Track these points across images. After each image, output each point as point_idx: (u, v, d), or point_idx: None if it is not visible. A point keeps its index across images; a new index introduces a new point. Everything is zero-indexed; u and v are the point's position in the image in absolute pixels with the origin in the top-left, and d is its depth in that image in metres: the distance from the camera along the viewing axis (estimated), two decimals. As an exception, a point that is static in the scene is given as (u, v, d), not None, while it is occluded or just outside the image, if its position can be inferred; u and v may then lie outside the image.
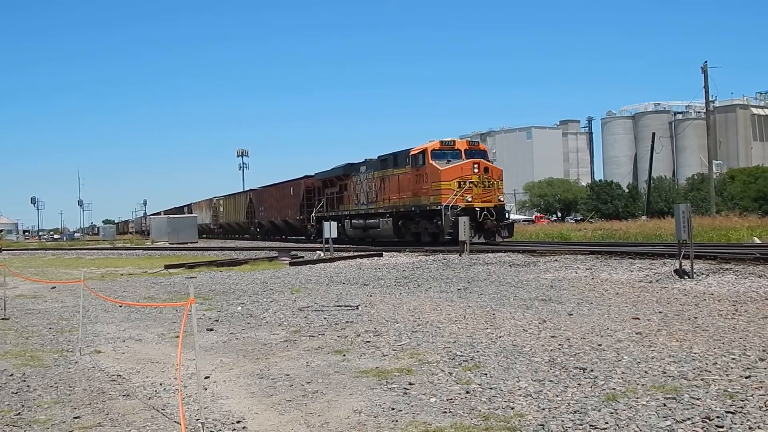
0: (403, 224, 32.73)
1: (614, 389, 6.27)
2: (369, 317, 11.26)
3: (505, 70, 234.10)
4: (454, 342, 8.81)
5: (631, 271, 16.76)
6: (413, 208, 31.22)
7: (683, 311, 10.79)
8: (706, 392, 6.03)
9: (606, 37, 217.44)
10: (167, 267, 25.08)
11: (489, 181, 29.45)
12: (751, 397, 5.83)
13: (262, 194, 57.71)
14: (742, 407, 5.57)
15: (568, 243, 33.12)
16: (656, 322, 9.82)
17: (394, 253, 27.16)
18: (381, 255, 26.61)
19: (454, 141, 30.84)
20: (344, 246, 34.18)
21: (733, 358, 7.22)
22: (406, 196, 32.00)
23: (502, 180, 30.66)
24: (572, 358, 7.58)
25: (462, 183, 28.77)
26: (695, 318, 10.07)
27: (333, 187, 41.42)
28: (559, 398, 6.09)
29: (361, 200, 37.13)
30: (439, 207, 28.65)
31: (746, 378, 6.44)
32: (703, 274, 15.20)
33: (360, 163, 38.32)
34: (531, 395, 6.22)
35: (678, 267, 15.69)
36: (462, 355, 7.96)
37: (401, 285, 16.49)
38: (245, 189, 67.67)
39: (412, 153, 31.55)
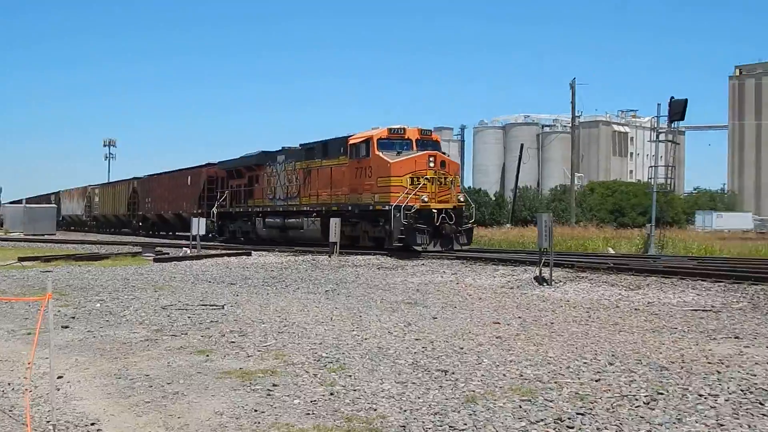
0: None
1: (474, 391, 6.45)
2: (235, 317, 11.10)
3: (387, 75, 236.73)
4: (320, 343, 8.81)
5: (494, 277, 17.31)
6: (350, 207, 26.39)
7: (541, 317, 11.24)
8: (559, 394, 6.30)
9: (482, 48, 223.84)
10: (21, 259, 23.80)
11: (445, 178, 24.98)
12: (599, 399, 6.13)
13: (149, 184, 50.72)
14: (591, 409, 5.85)
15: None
16: (516, 326, 10.18)
17: (264, 253, 26.92)
18: (250, 254, 26.31)
19: (404, 129, 25.77)
20: (212, 243, 33.24)
21: (585, 362, 7.58)
22: (340, 192, 27.14)
23: (459, 176, 27.11)
24: (435, 361, 7.74)
25: (415, 179, 24.27)
26: (552, 323, 10.51)
27: (241, 178, 36.00)
28: (421, 400, 6.20)
29: (277, 195, 32.17)
30: (387, 207, 24.11)
31: (596, 381, 6.77)
32: (561, 281, 15.88)
33: (277, 151, 33.13)
34: (394, 397, 6.31)
35: (538, 274, 16.34)
36: (327, 357, 7.98)
37: (269, 285, 16.35)
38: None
39: (351, 142, 26.50)
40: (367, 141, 25.66)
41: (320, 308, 12.15)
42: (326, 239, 26.57)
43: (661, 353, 8.13)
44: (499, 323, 10.49)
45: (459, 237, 24.77)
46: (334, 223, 25.50)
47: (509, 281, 16.49)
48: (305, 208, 29.58)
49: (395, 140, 25.49)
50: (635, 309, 12.14)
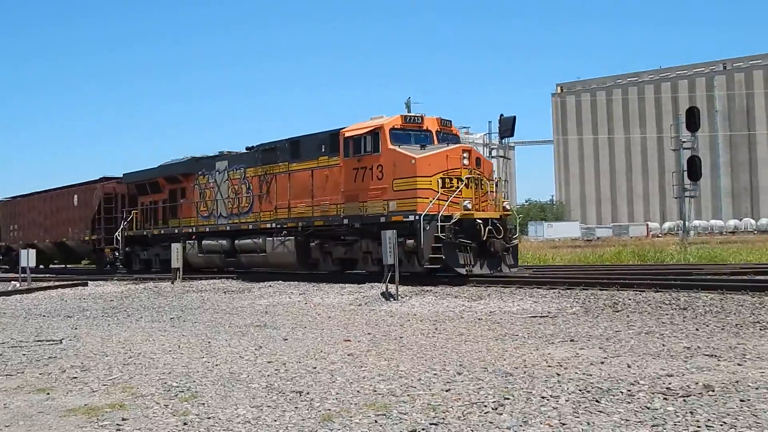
0: (320, 245, 22.07)
1: (329, 410, 6.49)
2: (75, 351, 10.57)
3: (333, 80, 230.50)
4: (170, 373, 8.57)
5: (342, 294, 17.46)
6: (346, 221, 20.64)
7: (390, 332, 11.46)
8: (413, 407, 6.46)
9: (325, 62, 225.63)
10: None
11: (481, 180, 19.85)
12: (451, 408, 6.34)
13: (14, 207, 41.95)
14: (443, 419, 6.04)
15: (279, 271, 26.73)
16: (366, 343, 10.33)
17: (101, 282, 25.68)
18: (86, 284, 25.04)
19: (422, 117, 20.47)
20: (44, 275, 31.19)
21: (435, 374, 7.81)
22: (328, 201, 21.38)
23: (493, 178, 21.04)
24: (289, 382, 7.72)
25: (448, 180, 18.97)
26: (401, 337, 10.75)
27: (157, 192, 29.73)
28: (278, 422, 6.17)
29: (219, 211, 26.33)
30: (412, 217, 18.63)
31: (447, 391, 6.99)
32: (407, 296, 16.26)
33: (214, 157, 27.35)
34: (250, 421, 6.24)
35: (385, 290, 16.64)
36: (178, 386, 7.77)
37: (110, 316, 15.69)
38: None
39: (348, 134, 20.81)
40: (375, 132, 19.93)
41: (167, 336, 11.80)
42: (304, 265, 22.52)
43: (505, 360, 8.51)
44: (349, 340, 10.60)
45: (506, 256, 19.65)
46: (176, 249, 24.71)
47: (357, 298, 16.69)
48: (269, 225, 23.43)
49: (411, 131, 20.18)
50: (479, 319, 12.63)
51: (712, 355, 8.27)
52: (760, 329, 10.20)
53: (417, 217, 18.46)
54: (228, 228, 25.57)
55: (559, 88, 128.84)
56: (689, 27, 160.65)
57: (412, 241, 18.70)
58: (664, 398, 6.35)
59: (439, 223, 18.18)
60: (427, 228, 18.29)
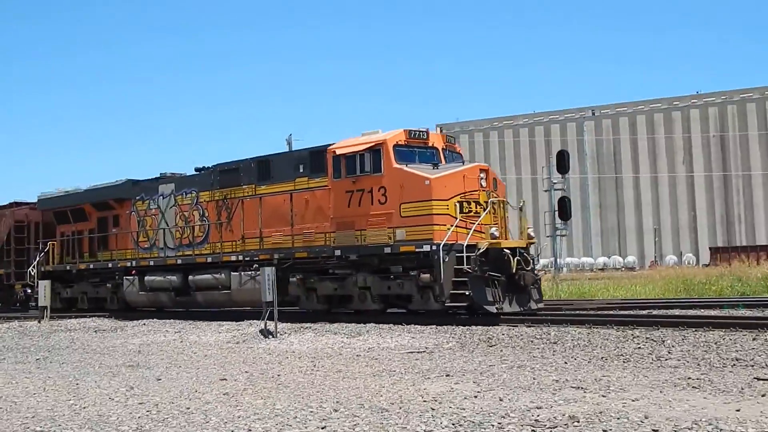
0: (302, 281, 18.99)
1: (202, 451, 6.35)
2: (-72, 396, 9.89)
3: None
4: (33, 417, 8.16)
5: (220, 332, 17.13)
6: (338, 252, 17.95)
7: (268, 370, 11.33)
8: (288, 445, 6.40)
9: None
10: None
11: (499, 204, 17.76)
12: (326, 446, 6.33)
13: None
14: (318, 456, 6.02)
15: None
16: (243, 381, 10.17)
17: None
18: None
19: (427, 132, 18.13)
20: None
21: (311, 411, 7.78)
22: (312, 229, 18.71)
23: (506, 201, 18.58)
24: (161, 424, 7.50)
25: (465, 204, 16.84)
26: (278, 375, 10.64)
27: (82, 221, 25.85)
28: (147, 466, 5.99)
29: (164, 241, 22.89)
30: (427, 247, 16.36)
31: (322, 429, 6.97)
32: (286, 332, 16.13)
33: (155, 179, 24.06)
34: (117, 466, 6.02)
35: (263, 327, 16.45)
36: (42, 430, 7.41)
37: (-31, 357, 14.78)
38: None
39: (340, 151, 18.08)
40: (376, 149, 17.43)
41: (31, 378, 11.23)
42: (279, 302, 17.65)
43: (381, 396, 8.57)
44: (225, 379, 10.40)
45: (532, 290, 17.43)
46: (44, 286, 23.29)
47: (235, 336, 16.41)
48: (234, 259, 20.46)
49: (416, 148, 17.81)
50: (357, 355, 12.67)
51: (578, 387, 8.61)
52: (624, 361, 10.69)
53: (435, 247, 16.14)
54: (178, 261, 22.15)
55: (438, 129, 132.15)
56: (562, 73, 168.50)
57: (428, 275, 16.36)
58: (532, 430, 6.56)
59: (464, 254, 15.90)
60: (446, 259, 16.03)
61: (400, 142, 17.52)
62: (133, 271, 23.48)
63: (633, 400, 7.68)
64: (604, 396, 8.02)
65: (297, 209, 19.09)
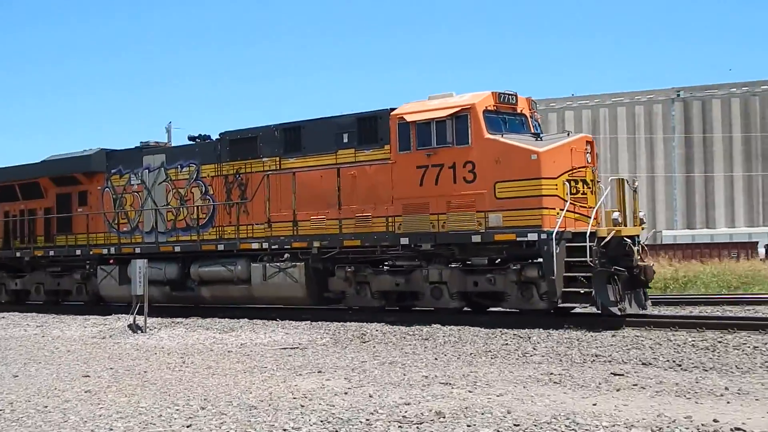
0: (352, 274, 16.03)
1: (58, 452, 6.08)
2: None
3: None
4: None
5: (85, 327, 16.49)
6: (406, 240, 15.14)
7: (134, 366, 10.98)
8: (150, 445, 6.22)
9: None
10: None
11: (618, 184, 15.32)
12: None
13: None
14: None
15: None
16: (107, 378, 9.82)
17: None
18: None
19: (515, 95, 15.17)
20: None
21: (178, 409, 7.58)
22: (365, 212, 15.72)
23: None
24: (14, 424, 7.14)
25: (573, 184, 14.17)
26: (145, 372, 10.33)
27: (35, 198, 21.93)
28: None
29: (152, 224, 19.30)
30: (533, 235, 13.71)
31: (187, 427, 6.82)
32: (156, 327, 15.69)
33: (138, 150, 20.32)
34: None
35: (132, 322, 15.93)
36: None
37: None
38: None
39: (411, 117, 15.03)
40: (462, 114, 14.48)
41: None
42: (314, 298, 16.64)
43: (251, 393, 8.46)
44: (89, 376, 10.01)
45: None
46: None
47: (101, 331, 15.83)
48: (255, 246, 17.31)
49: (505, 114, 14.97)
50: (228, 351, 12.46)
51: (447, 383, 8.78)
52: (491, 357, 10.99)
53: (545, 236, 13.45)
54: (176, 249, 18.75)
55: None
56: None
57: (534, 269, 13.94)
58: (399, 426, 6.64)
59: (561, 244, 13.44)
60: (557, 250, 13.39)
61: (489, 108, 14.56)
62: (112, 260, 19.81)
63: (498, 396, 7.90)
64: (470, 391, 8.22)
65: (345, 188, 16.01)
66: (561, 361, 10.46)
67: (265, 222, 17.14)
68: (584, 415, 6.82)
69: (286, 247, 16.83)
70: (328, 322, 15.39)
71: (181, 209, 18.85)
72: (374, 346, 12.51)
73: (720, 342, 11.16)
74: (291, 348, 12.58)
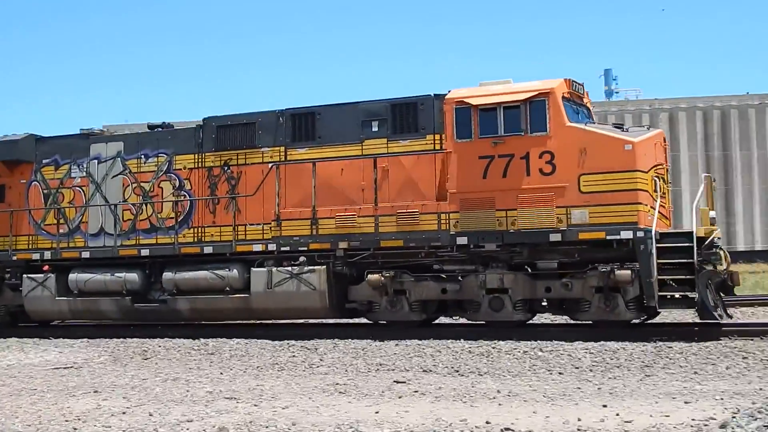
0: (392, 280, 13.94)
1: None
2: None
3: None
4: None
5: None
6: (464, 239, 13.47)
7: None
8: None
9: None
10: None
11: (709, 182, 14.56)
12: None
13: None
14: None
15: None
16: None
17: None
18: None
19: (583, 86, 14.31)
20: None
21: (-71, 440, 6.86)
22: (409, 206, 13.91)
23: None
24: None
25: (656, 180, 13.19)
26: None
27: None
28: None
29: (103, 225, 16.37)
30: (627, 233, 12.53)
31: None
32: None
33: (82, 137, 17.19)
34: None
35: None
36: None
37: None
38: None
39: (476, 101, 13.57)
40: (539, 99, 13.28)
41: None
42: (339, 309, 14.59)
43: (17, 417, 7.83)
44: None
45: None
46: None
47: None
48: (257, 248, 14.93)
49: (577, 104, 13.95)
50: (-7, 374, 11.47)
51: (231, 398, 8.61)
52: (278, 370, 10.95)
53: (642, 234, 12.39)
54: (142, 252, 15.88)
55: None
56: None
57: (626, 271, 12.55)
58: (181, 444, 6.42)
59: (653, 244, 12.27)
60: (652, 251, 12.27)
61: (565, 95, 13.47)
62: (46, 267, 16.65)
63: (283, 408, 7.87)
64: (255, 405, 8.12)
65: (369, 180, 14.31)
66: (347, 371, 10.63)
67: (272, 220, 14.81)
68: (368, 423, 6.95)
69: (301, 248, 14.55)
70: (107, 339, 14.70)
71: (143, 207, 16.08)
72: (156, 363, 12.05)
73: (494, 348, 11.85)
74: (65, 368, 11.80)
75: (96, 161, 16.63)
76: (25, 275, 16.60)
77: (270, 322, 16.55)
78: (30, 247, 16.97)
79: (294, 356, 12.08)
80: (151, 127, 16.95)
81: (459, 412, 7.40)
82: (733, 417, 5.57)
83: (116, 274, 15.78)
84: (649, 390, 8.47)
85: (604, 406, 7.47)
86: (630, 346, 11.51)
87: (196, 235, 15.57)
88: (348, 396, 8.57)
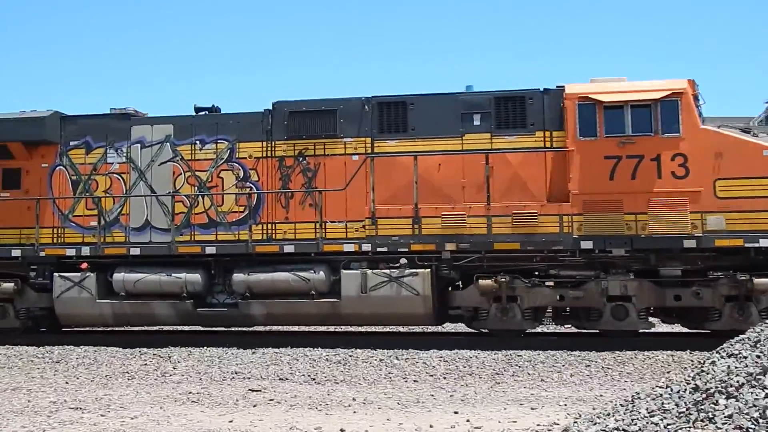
0: (508, 285, 12.98)
1: None
2: None
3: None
4: None
5: None
6: (589, 244, 12.70)
7: None
8: None
9: None
10: None
11: None
12: None
13: None
14: None
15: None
16: None
17: None
18: None
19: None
20: None
21: None
22: (527, 207, 12.93)
23: None
24: None
25: None
26: None
27: None
28: None
29: (149, 218, 14.45)
30: (766, 242, 12.36)
31: None
32: None
33: (122, 117, 15.00)
34: None
35: None
36: None
37: None
38: None
39: (606, 98, 12.80)
40: (671, 99, 12.68)
41: None
42: (439, 316, 13.45)
43: None
44: None
45: None
46: None
47: None
48: (348, 249, 13.50)
49: (698, 107, 13.16)
50: None
51: (77, 408, 8.24)
52: (129, 379, 10.58)
53: None
54: (207, 250, 14.04)
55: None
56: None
57: (766, 279, 12.22)
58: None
59: None
60: None
61: (693, 95, 12.93)
62: (84, 264, 14.42)
63: (132, 418, 7.60)
64: (103, 415, 7.81)
65: (472, 178, 13.36)
66: (201, 379, 10.41)
67: (367, 218, 13.46)
68: (220, 433, 6.83)
69: (401, 249, 13.35)
70: (-60, 347, 13.64)
71: (202, 199, 14.40)
72: (-5, 372, 11.36)
73: (351, 356, 11.92)
74: None
75: (139, 145, 14.80)
76: (56, 274, 14.45)
77: (121, 329, 15.99)
78: (56, 241, 14.86)
79: (146, 364, 11.71)
80: (197, 109, 15.09)
81: (314, 420, 7.40)
82: (575, 422, 5.89)
83: (174, 275, 14.05)
84: (498, 396, 8.79)
85: (456, 412, 7.69)
86: (482, 354, 11.89)
87: (265, 231, 14.12)
88: (201, 405, 8.40)
